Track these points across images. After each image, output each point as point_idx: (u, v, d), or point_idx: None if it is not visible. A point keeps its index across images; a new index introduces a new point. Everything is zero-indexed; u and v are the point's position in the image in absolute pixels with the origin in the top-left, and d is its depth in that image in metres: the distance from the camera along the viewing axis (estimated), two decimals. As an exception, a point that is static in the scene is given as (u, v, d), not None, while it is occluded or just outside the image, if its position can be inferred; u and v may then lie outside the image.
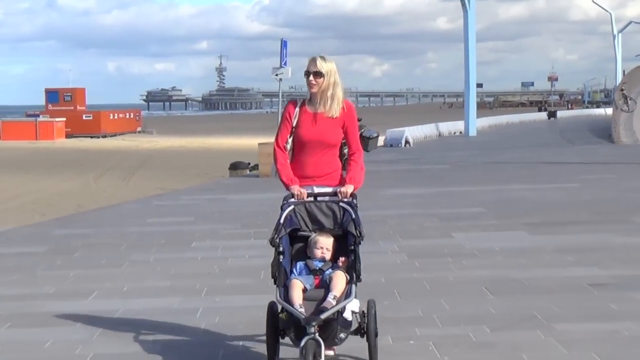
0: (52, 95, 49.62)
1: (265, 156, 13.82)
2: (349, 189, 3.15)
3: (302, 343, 2.66)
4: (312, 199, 3.18)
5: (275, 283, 2.93)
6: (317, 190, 3.23)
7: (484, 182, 12.57)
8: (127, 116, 53.78)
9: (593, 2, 46.38)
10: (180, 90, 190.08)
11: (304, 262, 3.09)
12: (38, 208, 14.38)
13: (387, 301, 4.11)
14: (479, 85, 46.95)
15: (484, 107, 66.52)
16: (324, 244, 3.06)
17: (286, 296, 2.85)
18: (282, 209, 3.11)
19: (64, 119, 44.96)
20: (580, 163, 15.96)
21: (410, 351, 3.41)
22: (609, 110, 29.85)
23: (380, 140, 19.04)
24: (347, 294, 2.84)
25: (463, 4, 26.84)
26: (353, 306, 2.93)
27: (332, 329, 2.81)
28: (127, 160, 28.00)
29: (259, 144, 16.29)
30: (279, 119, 3.53)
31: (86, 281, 5.36)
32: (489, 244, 6.51)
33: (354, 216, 3.06)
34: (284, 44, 16.50)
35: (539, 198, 10.16)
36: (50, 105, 48.47)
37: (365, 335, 2.97)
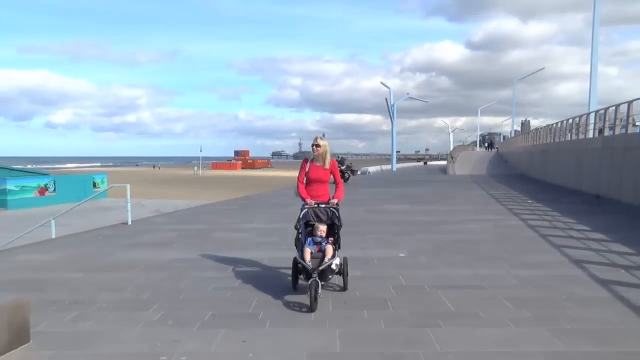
0: (236, 152, 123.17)
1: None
2: (334, 200, 5.81)
3: (309, 282, 5.13)
4: (316, 205, 5.74)
5: (297, 249, 5.66)
6: (318, 201, 5.83)
7: (395, 185, 27.71)
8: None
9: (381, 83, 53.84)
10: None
11: (311, 237, 5.65)
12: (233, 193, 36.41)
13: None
14: (398, 151, 78.46)
15: (401, 160, 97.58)
16: (321, 228, 5.65)
17: (301, 255, 5.46)
18: (301, 210, 5.75)
19: (240, 162, 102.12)
20: (433, 181, 29.60)
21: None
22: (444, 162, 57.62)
23: (359, 171, 45.37)
24: (333, 256, 5.42)
25: (391, 119, 54.39)
26: (337, 261, 5.47)
27: (325, 274, 5.34)
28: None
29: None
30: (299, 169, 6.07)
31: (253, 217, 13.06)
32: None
33: (337, 214, 5.70)
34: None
35: (421, 193, 20.64)
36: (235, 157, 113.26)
37: (341, 275, 5.73)
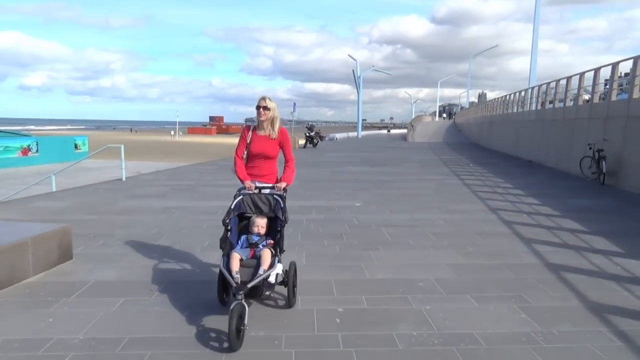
0: (211, 118, 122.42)
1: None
2: (282, 184, 4.26)
3: (232, 306, 3.31)
4: (257, 191, 4.20)
5: (223, 254, 3.80)
6: (260, 185, 4.27)
7: (359, 150, 30.63)
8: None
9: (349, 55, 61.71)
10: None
11: (246, 235, 4.07)
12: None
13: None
14: (364, 120, 79.60)
15: (367, 128, 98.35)
16: (259, 223, 4.07)
17: (227, 264, 3.67)
18: (234, 198, 4.13)
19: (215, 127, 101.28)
20: (393, 147, 31.71)
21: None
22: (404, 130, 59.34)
23: (327, 137, 46.64)
24: (271, 265, 3.70)
25: (357, 90, 55.51)
26: (278, 269, 3.75)
27: (259, 291, 3.61)
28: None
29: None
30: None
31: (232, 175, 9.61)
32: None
33: (282, 205, 4.09)
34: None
35: (381, 157, 25.03)
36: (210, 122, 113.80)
37: (286, 285, 3.99)
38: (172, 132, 69.75)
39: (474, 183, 12.30)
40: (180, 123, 76.54)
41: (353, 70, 51.22)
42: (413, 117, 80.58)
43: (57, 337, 3.50)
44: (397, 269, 5.18)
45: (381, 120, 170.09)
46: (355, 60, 51.77)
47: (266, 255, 3.77)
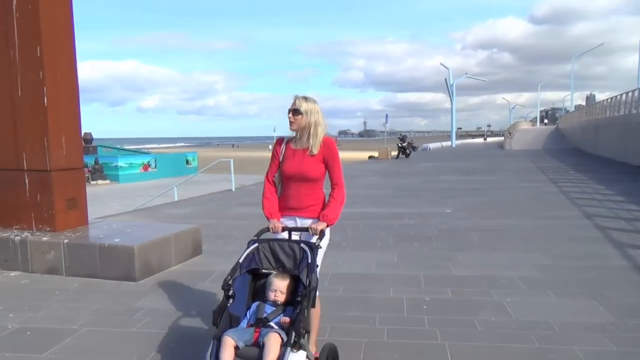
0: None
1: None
2: (319, 225, 2.97)
3: None
4: (280, 237, 2.99)
5: (214, 335, 2.50)
6: (299, 222, 3.10)
7: (452, 160, 30.62)
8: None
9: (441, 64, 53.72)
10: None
11: (257, 304, 2.75)
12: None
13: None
14: (459, 128, 77.08)
15: (462, 137, 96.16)
16: (278, 286, 2.72)
17: (217, 353, 2.42)
18: (248, 246, 2.88)
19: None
20: (488, 155, 31.20)
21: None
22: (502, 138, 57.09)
23: (420, 148, 46.39)
24: (279, 359, 2.38)
25: (451, 99, 54.66)
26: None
27: None
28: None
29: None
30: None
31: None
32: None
33: (310, 260, 2.72)
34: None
35: (475, 166, 24.05)
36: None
37: None
38: (270, 147, 73.22)
39: (571, 190, 12.02)
40: (278, 137, 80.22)
41: (445, 79, 50.61)
42: (511, 123, 77.28)
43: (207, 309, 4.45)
44: (482, 268, 5.59)
45: (477, 128, 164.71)
46: (447, 68, 51.13)
47: (272, 342, 2.44)
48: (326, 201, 3.17)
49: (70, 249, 5.44)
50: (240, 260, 2.86)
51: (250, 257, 2.88)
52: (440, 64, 52.63)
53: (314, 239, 2.91)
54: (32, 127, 5.76)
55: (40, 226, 5.88)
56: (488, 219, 8.58)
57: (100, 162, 31.18)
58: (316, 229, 2.96)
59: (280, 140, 3.30)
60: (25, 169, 5.85)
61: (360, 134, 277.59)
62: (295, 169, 3.12)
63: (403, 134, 35.67)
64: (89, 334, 3.89)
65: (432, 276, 5.27)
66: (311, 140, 3.10)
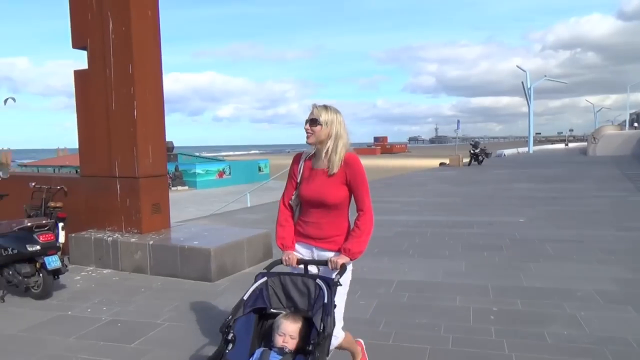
0: (376, 138, 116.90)
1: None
2: (340, 259, 2.51)
3: None
4: (301, 268, 2.57)
5: None
6: (316, 253, 2.67)
7: (528, 167, 29.45)
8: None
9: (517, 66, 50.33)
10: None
11: (262, 350, 2.34)
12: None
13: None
14: (538, 133, 76.23)
15: (540, 142, 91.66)
16: (287, 330, 2.31)
17: None
18: (255, 280, 2.48)
19: (379, 147, 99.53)
20: (569, 162, 29.40)
21: None
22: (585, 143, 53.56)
23: (494, 154, 44.66)
24: None
25: (528, 103, 52.14)
26: None
27: None
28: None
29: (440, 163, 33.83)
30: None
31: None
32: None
33: (326, 300, 2.28)
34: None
35: (553, 174, 21.40)
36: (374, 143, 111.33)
37: None
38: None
39: (661, 200, 11.15)
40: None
41: (522, 82, 48.42)
42: (595, 128, 72.51)
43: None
44: (556, 280, 5.38)
45: (558, 133, 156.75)
46: (524, 71, 48.91)
47: None
48: (350, 230, 2.69)
49: (155, 250, 5.92)
50: (245, 297, 2.44)
51: (257, 294, 2.48)
52: (517, 66, 50.44)
53: (334, 275, 2.46)
54: (123, 138, 6.34)
55: (129, 228, 6.44)
56: (565, 229, 8.19)
57: (180, 169, 33.06)
58: (336, 262, 2.53)
59: (298, 157, 2.83)
60: (117, 175, 6.45)
61: (431, 140, 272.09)
62: (314, 192, 2.66)
63: (475, 140, 34.62)
64: (171, 328, 4.24)
65: (502, 286, 5.17)
66: (330, 157, 2.63)
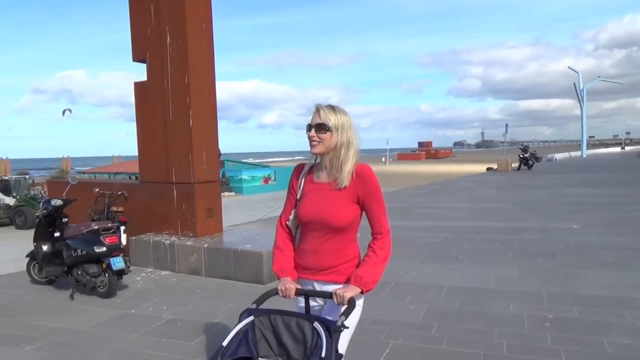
0: (420, 144, 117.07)
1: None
2: (348, 292, 1.96)
3: None
4: (301, 300, 2.12)
5: None
6: (317, 287, 2.13)
7: (581, 171, 27.91)
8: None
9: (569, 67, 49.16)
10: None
11: None
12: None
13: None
14: (591, 137, 70.71)
15: (594, 146, 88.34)
16: None
17: None
18: (240, 319, 1.93)
19: (424, 152, 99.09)
20: (625, 166, 28.86)
21: None
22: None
23: (545, 158, 43.16)
24: None
25: (580, 105, 50.12)
26: None
27: None
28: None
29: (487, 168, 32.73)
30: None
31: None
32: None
33: (323, 352, 1.74)
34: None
35: (608, 178, 20.37)
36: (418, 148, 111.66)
37: None
38: (383, 159, 73.31)
39: None
40: (390, 150, 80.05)
41: (574, 84, 46.63)
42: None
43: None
44: (615, 288, 5.20)
45: (614, 136, 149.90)
46: (576, 72, 47.09)
47: None
48: (361, 258, 2.16)
49: (210, 252, 6.15)
50: (224, 344, 1.86)
51: (241, 338, 1.90)
52: (568, 67, 48.65)
53: (341, 311, 1.90)
54: (180, 145, 6.64)
55: (185, 232, 6.72)
56: (623, 236, 7.86)
57: (226, 176, 33.88)
58: (343, 295, 1.95)
59: (299, 168, 2.30)
60: (174, 181, 6.75)
61: (477, 145, 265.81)
62: (315, 212, 2.11)
63: (525, 144, 33.60)
64: (226, 328, 4.40)
65: (556, 293, 5.05)
66: (339, 168, 2.10)
